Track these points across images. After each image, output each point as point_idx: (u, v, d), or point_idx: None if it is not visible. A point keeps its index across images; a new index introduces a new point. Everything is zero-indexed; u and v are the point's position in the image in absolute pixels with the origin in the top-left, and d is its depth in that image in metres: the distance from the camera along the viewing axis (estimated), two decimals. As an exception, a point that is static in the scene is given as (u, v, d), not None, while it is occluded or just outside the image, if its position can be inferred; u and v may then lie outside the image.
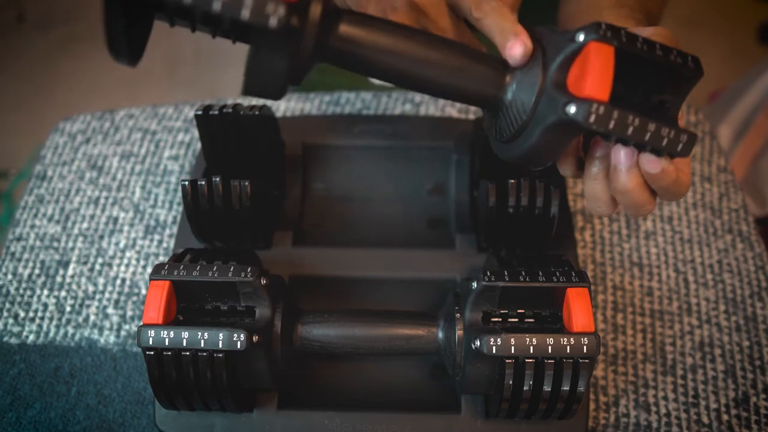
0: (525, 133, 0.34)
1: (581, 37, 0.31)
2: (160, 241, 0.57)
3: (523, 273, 0.39)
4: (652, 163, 0.33)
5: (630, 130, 0.31)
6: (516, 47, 0.35)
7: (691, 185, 0.34)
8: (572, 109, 0.30)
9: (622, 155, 0.34)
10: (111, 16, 0.29)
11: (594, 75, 0.30)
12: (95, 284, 0.55)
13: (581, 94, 0.30)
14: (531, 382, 0.38)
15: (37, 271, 0.56)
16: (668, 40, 0.35)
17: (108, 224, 0.58)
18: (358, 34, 0.35)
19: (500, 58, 0.36)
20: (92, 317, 0.53)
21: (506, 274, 0.39)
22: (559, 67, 0.32)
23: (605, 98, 0.30)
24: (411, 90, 0.40)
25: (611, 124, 0.30)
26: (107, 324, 0.53)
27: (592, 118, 0.30)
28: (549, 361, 0.37)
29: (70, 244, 0.57)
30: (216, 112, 0.47)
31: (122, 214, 0.58)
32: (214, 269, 0.39)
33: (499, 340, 0.37)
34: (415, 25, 0.41)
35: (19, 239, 0.58)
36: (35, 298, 0.54)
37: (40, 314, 0.53)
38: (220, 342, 0.37)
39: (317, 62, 0.36)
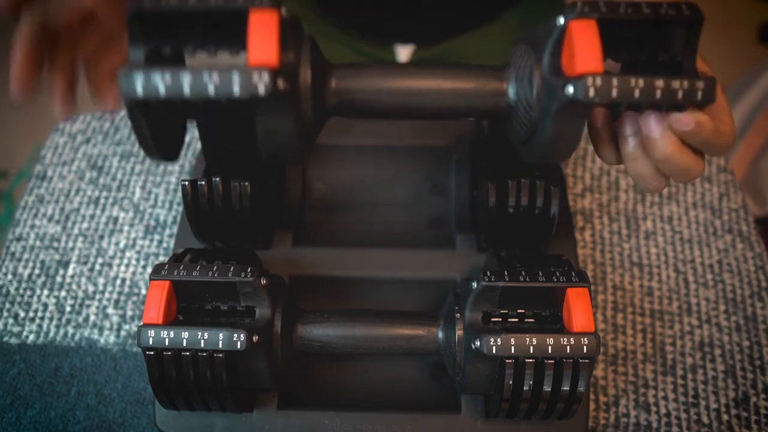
0: (538, 129, 0.34)
1: (561, 21, 0.31)
2: (160, 241, 0.57)
3: (523, 273, 0.39)
4: (682, 120, 0.31)
5: (636, 92, 0.30)
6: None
7: (734, 138, 0.33)
8: (570, 89, 0.30)
9: (651, 122, 0.33)
10: (133, 118, 0.32)
11: (582, 50, 0.30)
12: (95, 284, 0.55)
13: (575, 72, 0.30)
14: (531, 382, 0.38)
15: (37, 271, 0.56)
16: None
17: (108, 224, 0.58)
18: (352, 83, 0.36)
19: (494, 67, 0.37)
20: (92, 317, 0.53)
21: (506, 274, 0.39)
22: (550, 56, 0.32)
23: (599, 69, 0.30)
24: (418, 120, 0.41)
25: (614, 92, 0.30)
26: (107, 324, 0.53)
27: (591, 92, 0.30)
28: (549, 361, 0.37)
29: (70, 244, 0.57)
30: None
31: (122, 214, 0.58)
32: (214, 269, 0.39)
33: (499, 340, 0.37)
34: None
35: (19, 239, 0.58)
36: (35, 298, 0.54)
37: (40, 314, 0.53)
38: (220, 342, 0.37)
39: (323, 119, 0.37)
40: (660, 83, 0.30)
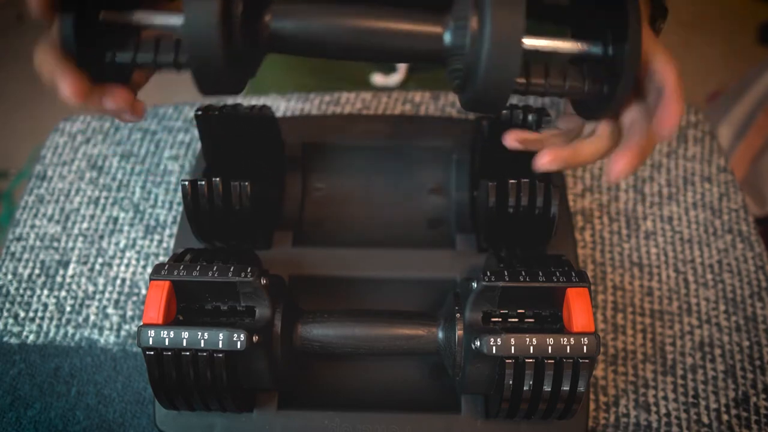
0: (475, 52, 0.33)
1: None
2: (160, 241, 0.57)
3: (523, 273, 0.39)
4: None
5: None
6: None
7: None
8: None
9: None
10: None
11: None
12: (95, 284, 0.55)
13: None
14: (531, 382, 0.38)
15: (37, 271, 0.56)
16: None
17: (108, 224, 0.58)
18: (287, 17, 0.35)
19: (433, 11, 0.36)
20: (92, 317, 0.53)
21: (506, 274, 0.39)
22: None
23: None
24: (351, 60, 0.40)
25: None
26: (107, 324, 0.53)
27: None
28: (549, 361, 0.37)
29: (70, 244, 0.57)
30: (216, 112, 0.47)
31: (122, 214, 0.58)
32: (214, 269, 0.39)
33: (499, 340, 0.37)
34: None
35: (19, 239, 0.58)
36: (35, 298, 0.54)
37: (40, 314, 0.53)
38: (220, 342, 0.37)
39: (258, 53, 0.36)
40: None
